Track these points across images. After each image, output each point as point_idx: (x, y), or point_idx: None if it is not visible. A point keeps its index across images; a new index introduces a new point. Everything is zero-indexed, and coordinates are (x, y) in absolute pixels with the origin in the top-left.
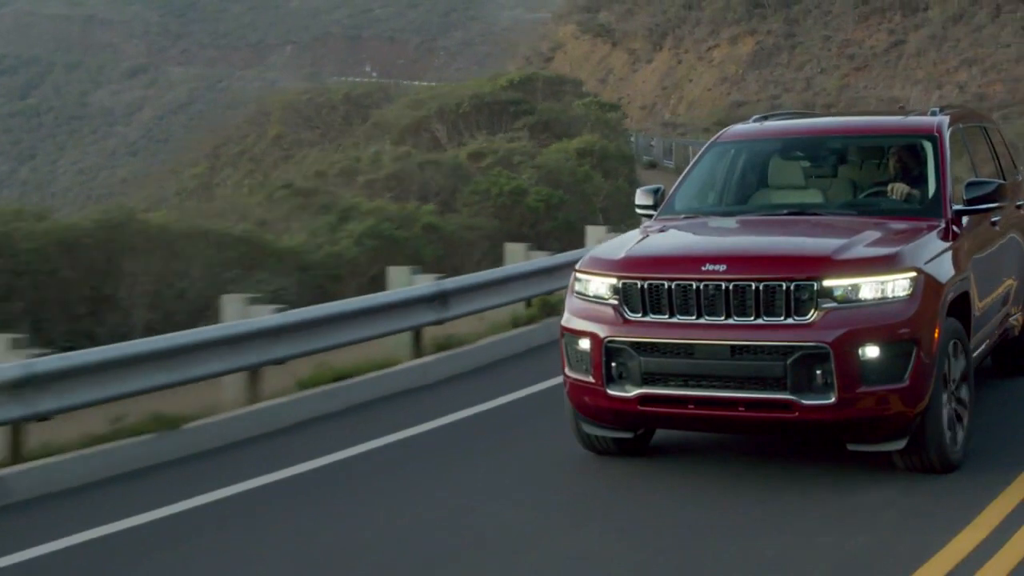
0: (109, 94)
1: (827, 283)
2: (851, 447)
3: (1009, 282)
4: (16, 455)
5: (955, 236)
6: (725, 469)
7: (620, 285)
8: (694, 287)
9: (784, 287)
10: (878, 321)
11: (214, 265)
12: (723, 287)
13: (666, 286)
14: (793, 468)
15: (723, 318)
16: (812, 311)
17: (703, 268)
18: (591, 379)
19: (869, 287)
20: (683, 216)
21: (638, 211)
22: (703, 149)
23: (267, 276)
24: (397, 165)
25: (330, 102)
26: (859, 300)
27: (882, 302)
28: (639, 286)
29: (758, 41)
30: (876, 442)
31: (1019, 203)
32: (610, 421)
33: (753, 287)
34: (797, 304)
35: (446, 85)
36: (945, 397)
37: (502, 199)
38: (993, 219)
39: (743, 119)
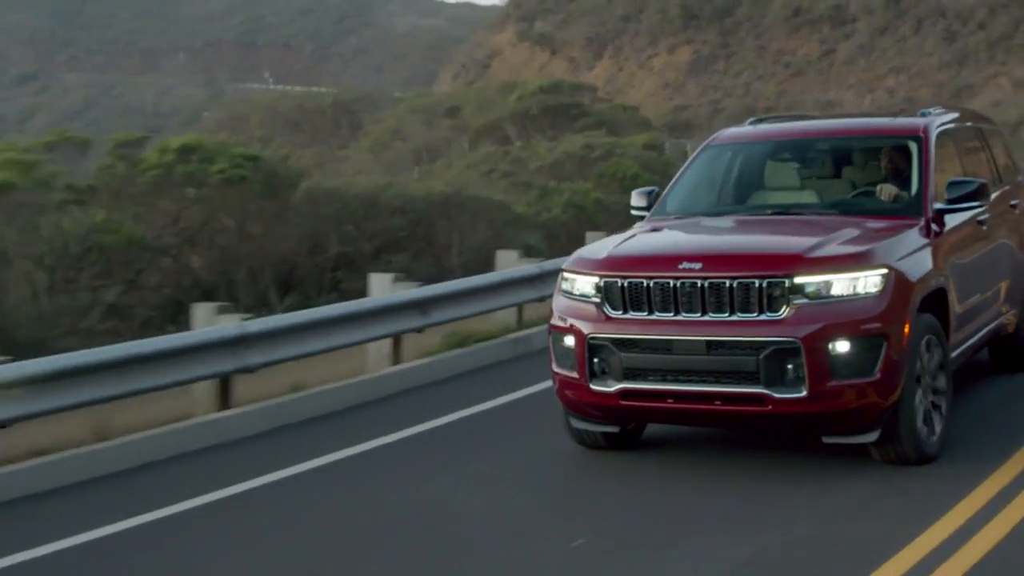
0: None
1: (798, 280)
2: (826, 439)
3: (1000, 281)
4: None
5: (935, 234)
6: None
7: (602, 284)
8: (671, 285)
9: (757, 284)
10: (848, 316)
11: (488, 224)
12: (699, 285)
13: (645, 284)
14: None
15: (699, 315)
16: (784, 307)
17: (680, 267)
18: (575, 375)
19: (840, 283)
20: (674, 217)
21: (633, 212)
22: (696, 151)
23: (515, 232)
24: (552, 156)
25: (319, 107)
26: (830, 296)
27: (853, 298)
28: (619, 284)
29: (695, 50)
30: (849, 434)
31: (1013, 202)
32: (595, 415)
33: (727, 284)
34: (769, 300)
35: (465, 90)
36: (920, 391)
37: (626, 182)
38: (980, 218)
39: (687, 122)
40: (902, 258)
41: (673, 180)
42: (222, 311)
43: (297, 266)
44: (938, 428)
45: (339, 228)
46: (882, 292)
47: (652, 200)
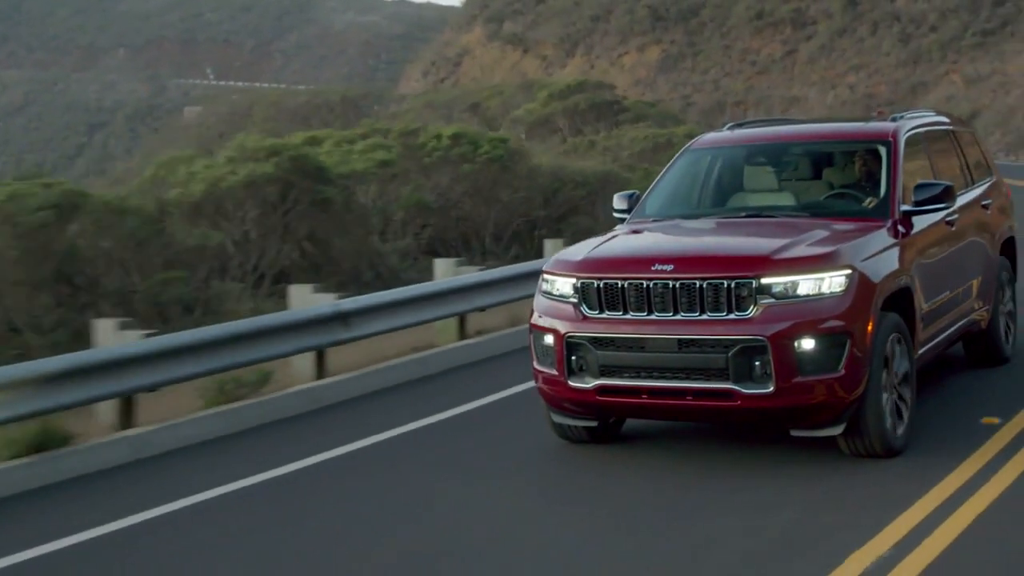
0: None
1: (765, 280)
2: (794, 433)
3: (971, 279)
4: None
5: (902, 235)
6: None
7: (579, 285)
8: (645, 286)
9: (726, 284)
10: (813, 315)
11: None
12: (671, 285)
13: (620, 285)
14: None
15: (671, 314)
16: (752, 307)
17: (652, 268)
18: (555, 372)
19: (806, 284)
20: (652, 219)
21: (615, 214)
22: (676, 156)
23: None
24: (640, 144)
25: (327, 103)
26: (796, 296)
27: (818, 297)
28: (596, 285)
29: (664, 49)
30: (815, 427)
31: (985, 202)
32: (574, 410)
33: (698, 285)
34: (738, 300)
35: (479, 88)
36: (885, 385)
37: None
38: (949, 219)
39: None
40: (867, 259)
41: (652, 184)
42: (460, 264)
43: (512, 224)
44: (904, 422)
45: (544, 196)
46: (846, 292)
47: (633, 203)
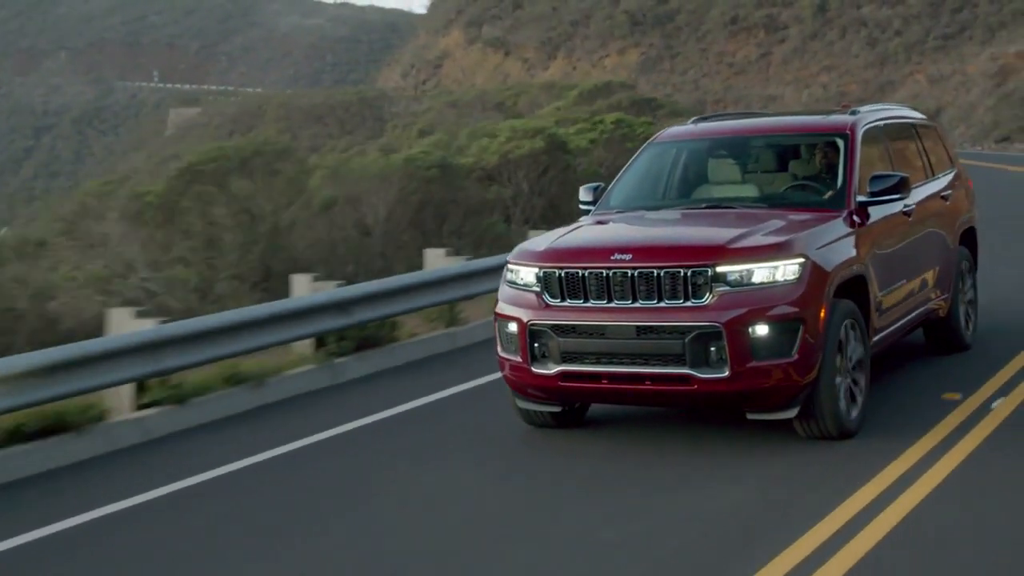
0: None
1: (720, 269)
2: (749, 415)
3: (929, 268)
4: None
5: (857, 225)
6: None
7: (542, 274)
8: (604, 274)
9: (682, 273)
10: (767, 302)
11: None
12: (629, 274)
13: (580, 274)
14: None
15: (630, 302)
16: (708, 294)
17: (612, 258)
18: (519, 358)
19: (760, 272)
20: (616, 211)
21: (580, 206)
22: (640, 149)
23: None
24: None
25: (342, 103)
26: (751, 284)
27: (772, 285)
28: (557, 275)
29: (643, 52)
30: (770, 411)
31: (944, 194)
32: (537, 396)
33: (655, 273)
34: (694, 288)
35: (502, 89)
36: (839, 370)
37: None
38: (906, 210)
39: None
40: (821, 248)
41: (617, 176)
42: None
43: None
44: (858, 405)
45: None
46: (799, 280)
47: (598, 195)
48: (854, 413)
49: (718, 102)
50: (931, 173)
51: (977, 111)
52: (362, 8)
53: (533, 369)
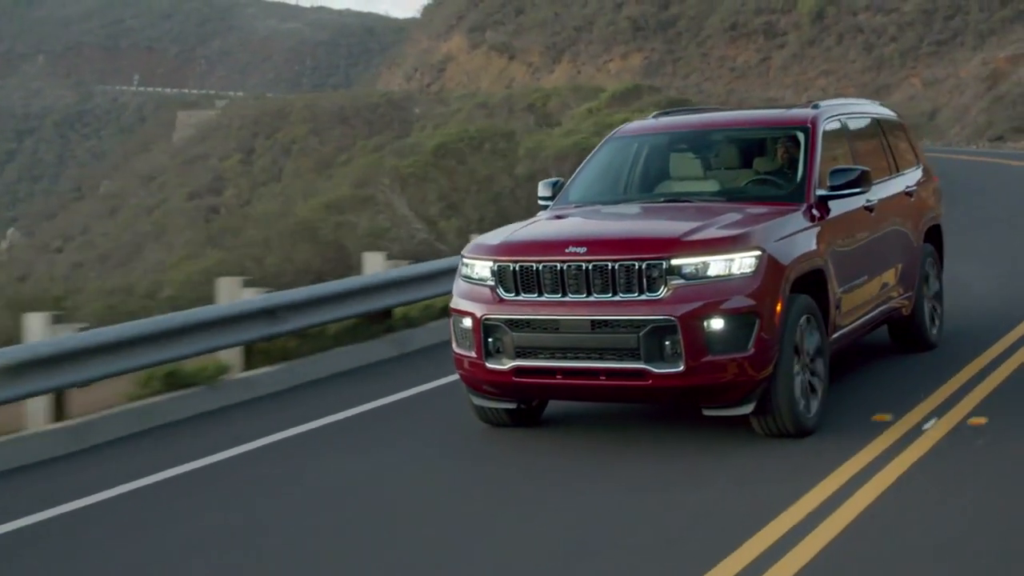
0: None
1: (675, 262)
2: (705, 411)
3: (892, 265)
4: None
5: (817, 219)
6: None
7: (496, 268)
8: (559, 268)
9: (637, 266)
10: (722, 296)
11: None
12: (584, 267)
13: (535, 268)
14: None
15: (585, 296)
16: (662, 288)
17: (566, 251)
18: (473, 354)
19: (716, 265)
20: (574, 205)
21: (539, 202)
22: (600, 143)
23: None
24: None
25: (368, 104)
26: (706, 277)
27: (728, 278)
28: (511, 268)
29: (645, 56)
30: (726, 406)
31: (909, 189)
32: (492, 392)
33: (610, 267)
34: (649, 281)
35: (530, 92)
36: (797, 366)
37: None
38: (868, 205)
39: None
40: (778, 241)
41: (576, 171)
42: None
43: None
44: (816, 402)
45: None
46: (755, 273)
47: (557, 191)
48: (812, 410)
49: (722, 103)
50: (895, 169)
51: (971, 112)
52: (339, 12)
53: (487, 365)
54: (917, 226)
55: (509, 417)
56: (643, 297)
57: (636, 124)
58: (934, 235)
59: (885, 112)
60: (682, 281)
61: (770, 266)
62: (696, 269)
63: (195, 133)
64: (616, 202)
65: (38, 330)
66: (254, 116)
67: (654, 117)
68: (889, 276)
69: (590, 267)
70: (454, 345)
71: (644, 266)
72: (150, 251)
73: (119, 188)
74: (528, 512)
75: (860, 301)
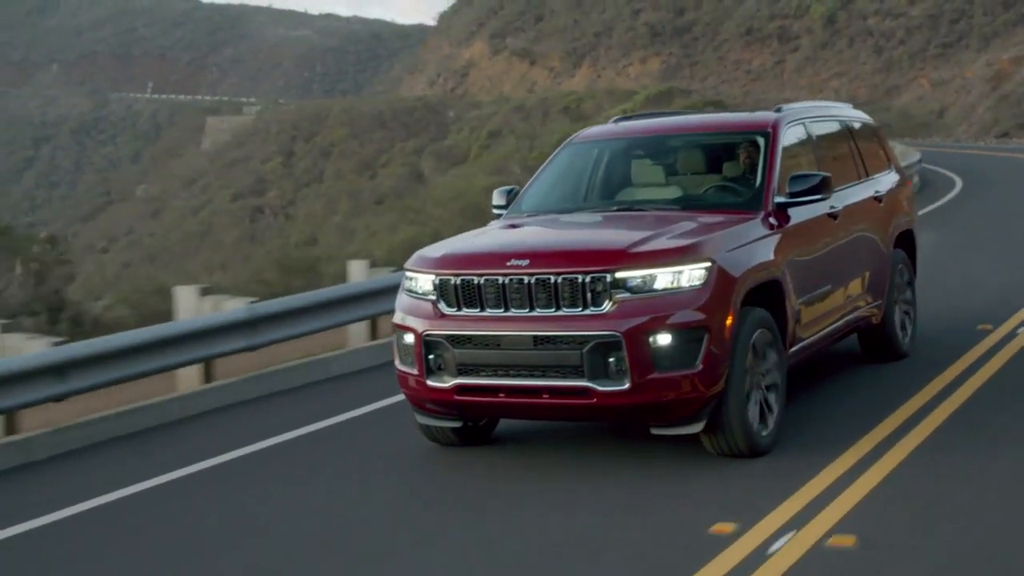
0: None
1: (620, 275)
2: (654, 430)
3: (859, 273)
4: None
5: (775, 228)
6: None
7: (438, 282)
8: (501, 282)
9: (580, 279)
10: (669, 310)
11: None
12: (526, 281)
13: (475, 281)
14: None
15: (527, 311)
16: (607, 302)
17: (508, 264)
18: (415, 371)
19: (663, 277)
20: (527, 215)
21: (493, 210)
22: (557, 150)
23: None
24: None
25: (405, 108)
26: (653, 290)
27: (675, 291)
28: (452, 282)
29: (663, 61)
30: (675, 425)
31: (877, 195)
32: (436, 411)
33: (552, 280)
34: (593, 296)
35: (564, 95)
36: (749, 382)
37: None
38: (832, 211)
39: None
40: (730, 251)
41: (532, 178)
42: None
43: None
44: (772, 420)
45: None
46: (705, 285)
47: (511, 199)
48: (767, 429)
49: (737, 106)
50: (864, 174)
51: (977, 111)
52: (347, 19)
53: (429, 383)
54: (887, 232)
55: (456, 436)
56: (587, 312)
57: (595, 129)
58: (906, 241)
59: (856, 115)
60: (628, 295)
61: (720, 278)
62: (642, 282)
63: (230, 138)
64: (570, 211)
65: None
66: (292, 120)
67: (615, 122)
68: (856, 285)
69: (532, 281)
70: (397, 362)
71: (588, 279)
72: (200, 250)
73: (160, 191)
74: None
75: (823, 312)
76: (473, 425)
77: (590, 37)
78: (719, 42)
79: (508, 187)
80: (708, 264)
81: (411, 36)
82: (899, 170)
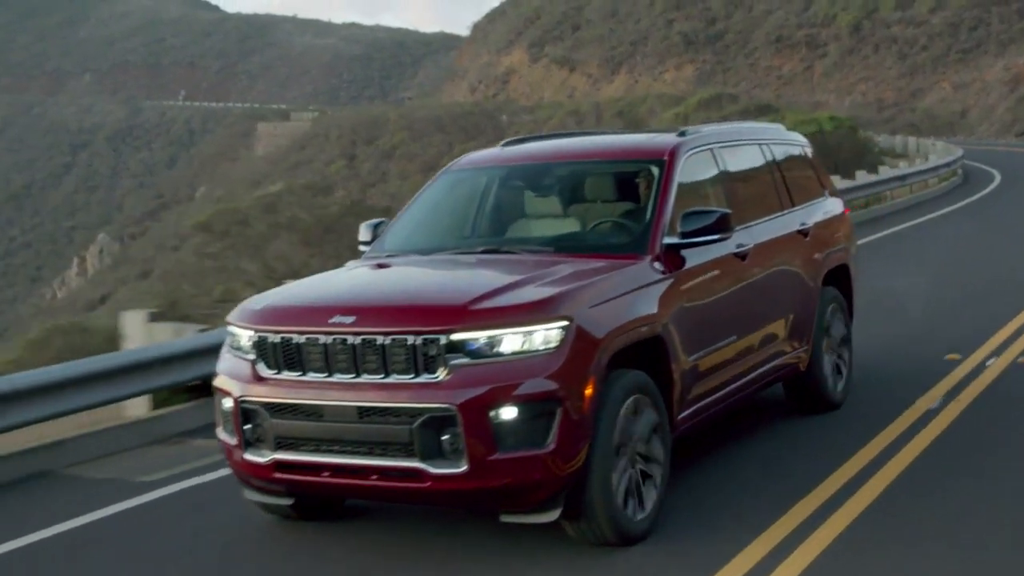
0: None
1: (456, 336)
2: (504, 519)
3: (776, 317)
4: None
5: (663, 273)
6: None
7: (256, 339)
8: (322, 341)
9: (410, 341)
10: (514, 378)
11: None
12: (350, 342)
13: (295, 340)
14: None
15: (353, 376)
16: (440, 368)
17: (331, 321)
18: (235, 442)
19: (510, 339)
20: (386, 254)
21: (359, 246)
22: (432, 179)
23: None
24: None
25: (462, 112)
26: (496, 355)
27: (524, 356)
28: (271, 340)
29: (697, 67)
30: (527, 512)
31: (802, 227)
32: (257, 488)
33: (380, 342)
34: (426, 361)
35: (615, 100)
36: (621, 460)
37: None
38: (740, 251)
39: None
40: (597, 305)
41: (401, 211)
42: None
43: None
44: (650, 501)
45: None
46: (559, 348)
47: (376, 234)
48: (643, 512)
49: (769, 107)
50: (789, 204)
51: (997, 111)
52: (371, 28)
53: (246, 456)
54: (814, 269)
55: (296, 512)
56: (419, 380)
57: (474, 156)
58: (839, 277)
59: (786, 138)
60: (466, 360)
61: (579, 339)
62: (483, 346)
63: (288, 142)
64: (432, 251)
65: None
66: (350, 125)
67: (503, 146)
68: (775, 329)
69: (358, 342)
70: (218, 430)
71: (420, 341)
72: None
73: (225, 192)
74: None
75: (727, 364)
76: (311, 499)
77: (626, 45)
78: (750, 49)
79: (376, 220)
80: (564, 323)
81: (432, 43)
82: (834, 196)
